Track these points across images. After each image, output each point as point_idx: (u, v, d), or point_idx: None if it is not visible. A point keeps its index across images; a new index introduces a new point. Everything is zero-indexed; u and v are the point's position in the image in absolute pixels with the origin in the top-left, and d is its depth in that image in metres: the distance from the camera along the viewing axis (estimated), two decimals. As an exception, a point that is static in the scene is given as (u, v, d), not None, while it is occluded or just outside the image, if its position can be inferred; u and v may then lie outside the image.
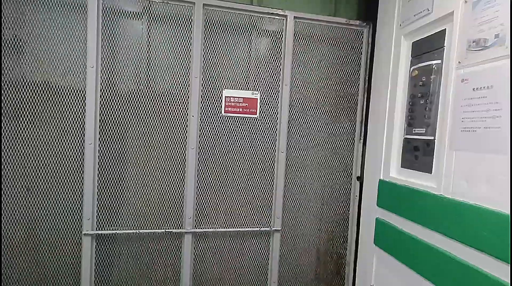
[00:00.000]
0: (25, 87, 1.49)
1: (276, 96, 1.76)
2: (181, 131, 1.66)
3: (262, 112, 1.75)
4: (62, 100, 1.53)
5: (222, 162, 1.73)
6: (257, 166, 1.77)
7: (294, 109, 1.79)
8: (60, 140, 1.54)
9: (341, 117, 1.86)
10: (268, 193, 1.80)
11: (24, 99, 1.49)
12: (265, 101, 1.75)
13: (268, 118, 1.76)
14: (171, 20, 1.61)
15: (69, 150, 1.55)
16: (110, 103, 1.57)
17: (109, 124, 1.58)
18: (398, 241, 1.39)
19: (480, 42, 1.03)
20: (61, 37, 1.50)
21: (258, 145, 1.76)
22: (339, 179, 1.89)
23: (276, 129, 1.76)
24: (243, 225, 1.78)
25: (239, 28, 1.69)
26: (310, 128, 1.83)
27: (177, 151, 1.66)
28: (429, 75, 1.28)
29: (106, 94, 1.57)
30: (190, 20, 1.62)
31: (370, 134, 1.74)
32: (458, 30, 1.13)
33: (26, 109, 1.50)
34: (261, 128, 1.75)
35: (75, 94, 1.53)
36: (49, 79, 1.51)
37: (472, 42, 1.07)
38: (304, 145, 1.82)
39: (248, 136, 1.74)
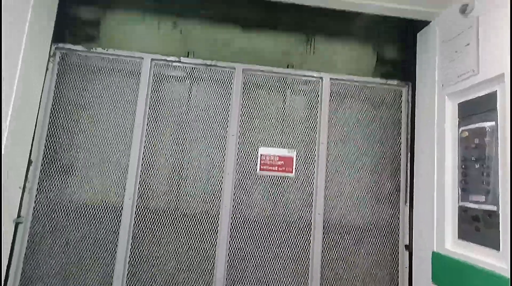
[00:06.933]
0: (77, 145, 1.61)
1: (313, 155, 1.72)
2: (216, 189, 1.64)
3: (298, 171, 1.70)
4: (108, 158, 1.62)
5: (256, 223, 1.65)
6: (292, 228, 1.66)
7: (332, 168, 1.72)
8: (101, 198, 1.60)
9: (383, 178, 1.74)
10: (304, 258, 1.65)
11: (74, 157, 1.60)
12: (301, 160, 1.71)
13: (305, 177, 1.70)
14: (212, 83, 1.72)
15: (108, 209, 1.59)
16: (151, 163, 1.64)
17: (148, 182, 1.63)
18: (464, 332, 1.16)
19: (541, 105, 0.95)
20: (116, 98, 1.66)
21: (293, 205, 1.68)
22: (384, 247, 1.70)
23: (313, 190, 1.69)
24: (276, 294, 1.62)
25: (275, 88, 1.76)
26: (349, 188, 1.72)
27: (211, 209, 1.63)
28: (482, 137, 1.18)
29: (148, 156, 1.64)
30: (230, 83, 1.71)
31: (417, 198, 1.60)
32: (512, 92, 1.06)
33: (73, 167, 1.60)
34: (297, 188, 1.69)
35: (121, 154, 1.63)
36: (98, 135, 1.63)
37: (531, 104, 0.98)
38: (343, 207, 1.70)
39: (284, 196, 1.68)
